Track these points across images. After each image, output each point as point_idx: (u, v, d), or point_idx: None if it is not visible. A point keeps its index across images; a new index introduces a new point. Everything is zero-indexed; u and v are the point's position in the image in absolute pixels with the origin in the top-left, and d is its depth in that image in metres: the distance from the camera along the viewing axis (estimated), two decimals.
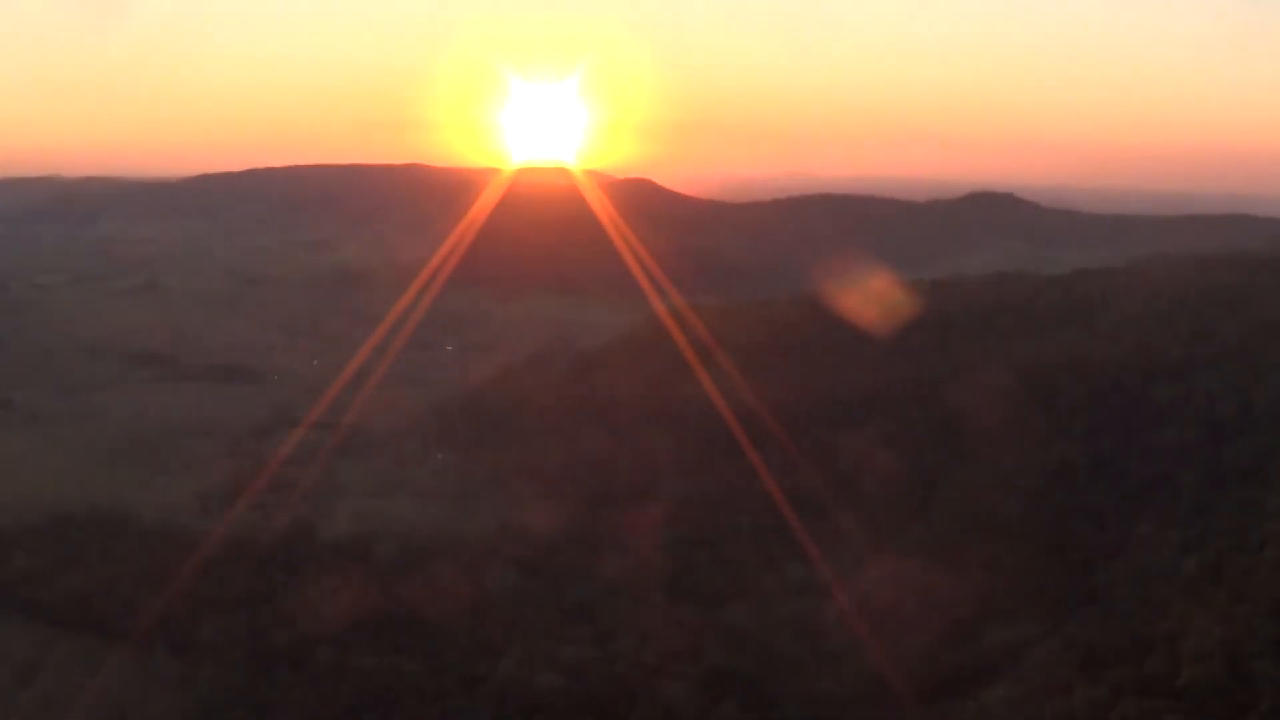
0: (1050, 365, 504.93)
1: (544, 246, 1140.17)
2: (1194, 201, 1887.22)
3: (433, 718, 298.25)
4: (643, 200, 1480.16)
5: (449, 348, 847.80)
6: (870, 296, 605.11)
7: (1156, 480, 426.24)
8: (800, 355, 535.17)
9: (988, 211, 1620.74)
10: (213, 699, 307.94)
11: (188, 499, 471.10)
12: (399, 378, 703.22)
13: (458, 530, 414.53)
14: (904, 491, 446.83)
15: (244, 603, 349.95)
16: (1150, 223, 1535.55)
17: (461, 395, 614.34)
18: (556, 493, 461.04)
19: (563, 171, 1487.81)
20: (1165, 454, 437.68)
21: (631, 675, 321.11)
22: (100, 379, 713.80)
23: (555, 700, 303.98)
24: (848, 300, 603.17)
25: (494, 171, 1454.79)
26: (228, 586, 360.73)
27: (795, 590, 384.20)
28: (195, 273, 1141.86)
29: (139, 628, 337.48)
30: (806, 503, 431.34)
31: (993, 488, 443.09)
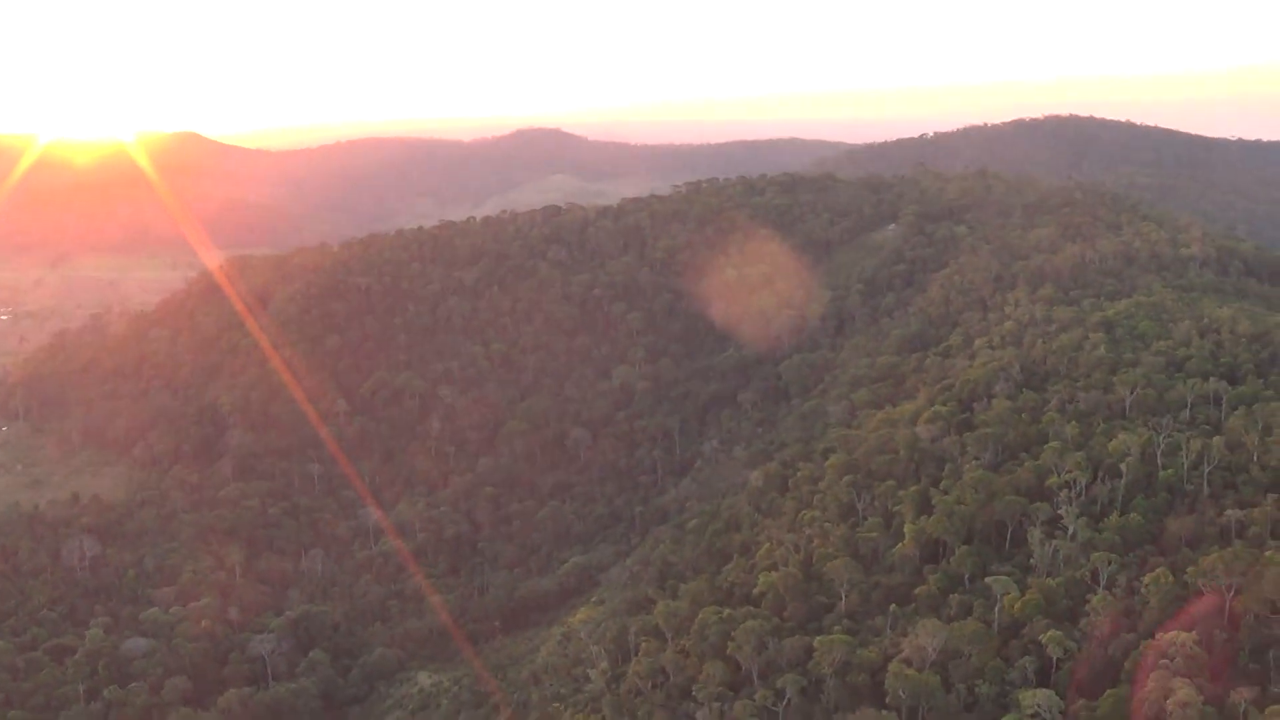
0: (606, 295, 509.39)
1: (92, 208, 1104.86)
2: (743, 128, 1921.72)
3: (26, 693, 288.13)
4: (190, 154, 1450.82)
5: (3, 316, 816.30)
6: (420, 237, 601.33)
7: (718, 399, 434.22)
8: (355, 299, 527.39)
9: (536, 147, 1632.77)
10: None
11: None
12: None
13: (30, 503, 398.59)
14: (471, 427, 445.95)
15: None
16: (699, 150, 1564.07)
17: (21, 364, 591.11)
18: (126, 456, 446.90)
19: (105, 130, 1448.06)
20: (726, 373, 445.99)
21: (219, 632, 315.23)
22: None
23: (146, 664, 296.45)
24: (398, 242, 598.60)
25: (35, 134, 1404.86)
26: None
27: (371, 534, 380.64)
28: None
29: None
30: (375, 445, 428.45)
31: (559, 418, 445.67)
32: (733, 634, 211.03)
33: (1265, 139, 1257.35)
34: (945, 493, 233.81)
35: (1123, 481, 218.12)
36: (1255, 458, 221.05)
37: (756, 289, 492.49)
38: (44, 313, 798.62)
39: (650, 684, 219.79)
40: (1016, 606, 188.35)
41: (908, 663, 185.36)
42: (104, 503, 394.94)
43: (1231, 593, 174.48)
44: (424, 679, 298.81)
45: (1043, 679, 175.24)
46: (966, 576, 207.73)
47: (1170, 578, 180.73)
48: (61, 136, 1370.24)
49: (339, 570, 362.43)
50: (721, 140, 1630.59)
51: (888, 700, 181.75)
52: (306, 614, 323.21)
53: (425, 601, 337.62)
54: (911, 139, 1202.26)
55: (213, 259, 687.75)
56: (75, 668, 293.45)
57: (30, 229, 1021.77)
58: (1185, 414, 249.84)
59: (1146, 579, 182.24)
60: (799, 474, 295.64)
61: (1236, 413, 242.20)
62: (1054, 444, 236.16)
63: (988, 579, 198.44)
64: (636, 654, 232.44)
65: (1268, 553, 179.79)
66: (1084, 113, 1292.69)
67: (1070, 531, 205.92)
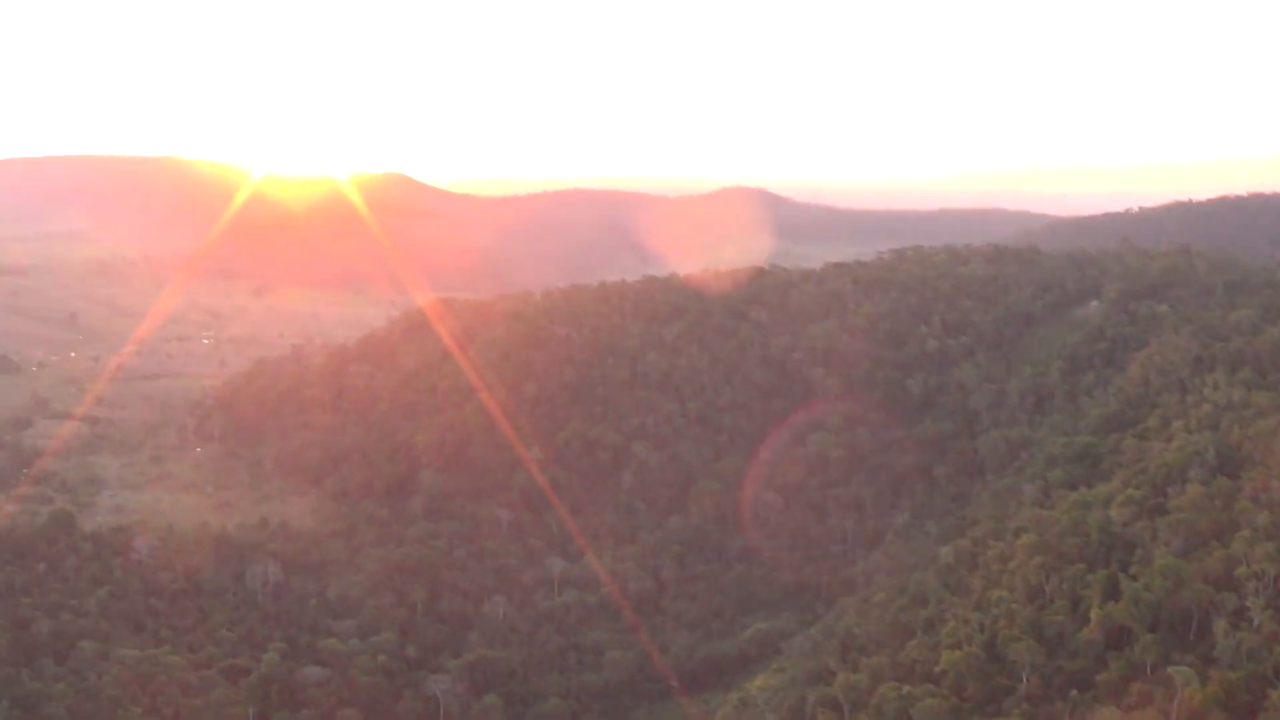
0: (805, 359, 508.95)
1: (300, 241, 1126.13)
2: (947, 195, 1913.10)
3: (197, 710, 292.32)
4: (398, 195, 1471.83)
5: (206, 341, 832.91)
6: (623, 291, 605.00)
7: (913, 471, 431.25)
8: (555, 349, 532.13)
9: (740, 207, 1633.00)
10: None
11: None
12: (158, 370, 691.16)
13: (219, 524, 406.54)
14: (662, 484, 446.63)
15: (5, 595, 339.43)
16: (903, 218, 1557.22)
17: (220, 388, 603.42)
18: (317, 487, 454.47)
19: (317, 166, 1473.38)
20: (922, 445, 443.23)
21: (395, 668, 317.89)
22: None
23: (319, 693, 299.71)
24: (601, 294, 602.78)
25: (251, 166, 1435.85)
26: None
27: (555, 583, 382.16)
28: None
29: None
30: (565, 495, 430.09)
31: (751, 480, 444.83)
32: (911, 711, 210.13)
33: None
34: (1134, 578, 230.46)
35: None
36: None
37: (957, 360, 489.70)
38: (245, 339, 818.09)
39: None
40: (1196, 699, 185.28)
41: None
42: (292, 530, 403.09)
43: None
44: None
45: None
46: (1149, 665, 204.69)
47: None
48: (273, 171, 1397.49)
49: (520, 617, 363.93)
50: (926, 209, 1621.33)
51: None
52: (484, 658, 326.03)
53: (604, 655, 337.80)
54: (1116, 213, 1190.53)
55: (417, 299, 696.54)
56: (248, 690, 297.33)
57: (238, 258, 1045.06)
58: None
59: None
60: (989, 552, 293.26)
61: None
62: (1245, 533, 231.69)
63: (1169, 669, 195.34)
64: None
65: None
66: None
67: (1255, 623, 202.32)
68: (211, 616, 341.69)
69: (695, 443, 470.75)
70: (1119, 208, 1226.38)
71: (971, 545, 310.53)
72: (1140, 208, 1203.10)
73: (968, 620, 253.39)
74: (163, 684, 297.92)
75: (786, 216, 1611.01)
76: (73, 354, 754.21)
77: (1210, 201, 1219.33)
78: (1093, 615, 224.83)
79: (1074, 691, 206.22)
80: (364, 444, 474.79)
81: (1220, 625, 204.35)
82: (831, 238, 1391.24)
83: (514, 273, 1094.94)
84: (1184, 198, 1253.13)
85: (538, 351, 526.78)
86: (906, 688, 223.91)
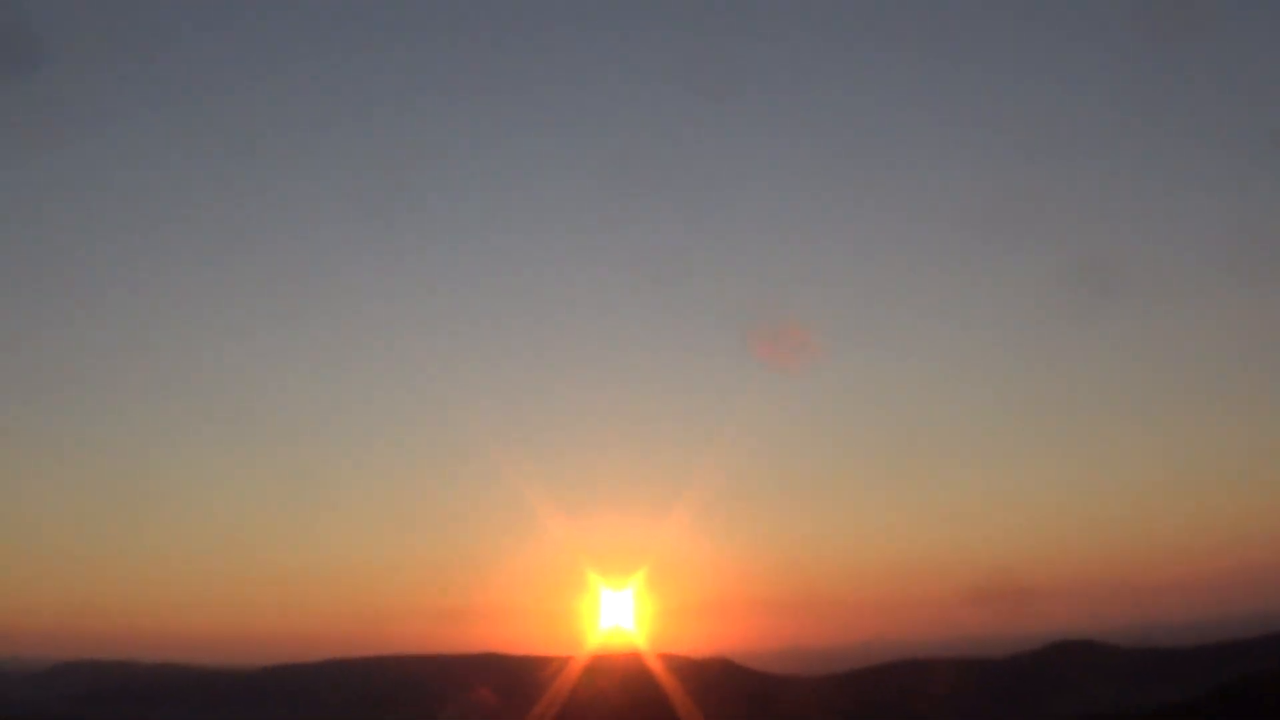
0: None
1: None
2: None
3: None
4: (720, 680, 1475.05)
5: None
6: None
7: None
8: None
9: (1069, 660, 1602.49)
10: None
11: None
12: None
13: None
14: None
15: None
16: (1238, 646, 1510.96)
17: None
18: None
19: (638, 656, 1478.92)
20: None
21: None
22: None
23: None
24: None
25: (570, 658, 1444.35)
26: None
27: None
28: None
29: None
30: None
31: None
32: None
33: None
34: None
35: None
36: None
37: None
38: None
39: None
40: None
41: None
42: None
43: None
44: None
45: None
46: None
47: None
48: (597, 656, 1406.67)
49: None
50: (1258, 634, 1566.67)
51: None
52: None
53: None
54: None
55: None
56: None
57: None
58: None
59: None
60: None
61: None
62: None
63: None
64: None
65: None
66: None
67: None
68: None
69: None
70: None
71: None
72: None
73: None
74: None
75: (1116, 663, 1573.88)
76: None
77: None
78: None
79: None
80: None
81: None
82: (1164, 679, 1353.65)
83: None
84: None
85: None
86: None
